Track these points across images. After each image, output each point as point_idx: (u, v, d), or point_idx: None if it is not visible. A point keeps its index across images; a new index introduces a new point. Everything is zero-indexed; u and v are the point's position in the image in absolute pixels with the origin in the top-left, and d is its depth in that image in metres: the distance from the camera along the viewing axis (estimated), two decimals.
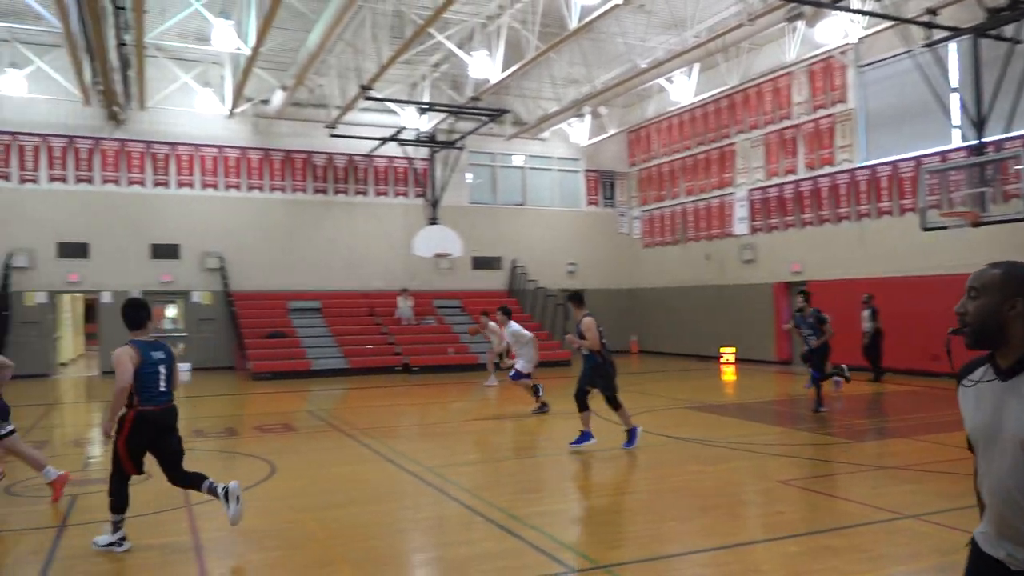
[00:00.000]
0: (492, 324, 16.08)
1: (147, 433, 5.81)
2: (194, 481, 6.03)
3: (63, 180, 21.29)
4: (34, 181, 21.03)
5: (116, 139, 21.77)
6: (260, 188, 23.34)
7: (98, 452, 10.36)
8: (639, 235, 27.54)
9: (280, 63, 21.35)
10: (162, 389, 5.89)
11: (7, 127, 20.75)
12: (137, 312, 6.01)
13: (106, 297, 21.56)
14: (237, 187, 23.06)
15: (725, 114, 23.01)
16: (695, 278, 24.38)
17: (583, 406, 9.36)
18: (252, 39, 16.20)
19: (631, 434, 9.32)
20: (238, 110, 22.40)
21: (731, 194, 22.94)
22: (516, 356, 13.13)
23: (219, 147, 22.87)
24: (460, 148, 23.13)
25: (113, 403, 5.73)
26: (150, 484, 8.01)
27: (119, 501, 5.76)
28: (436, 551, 5.97)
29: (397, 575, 5.50)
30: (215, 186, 22.83)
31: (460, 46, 19.52)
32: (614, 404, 9.35)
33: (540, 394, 12.74)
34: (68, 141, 21.33)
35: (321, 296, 23.28)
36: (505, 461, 9.49)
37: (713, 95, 22.17)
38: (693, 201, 24.58)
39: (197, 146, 22.61)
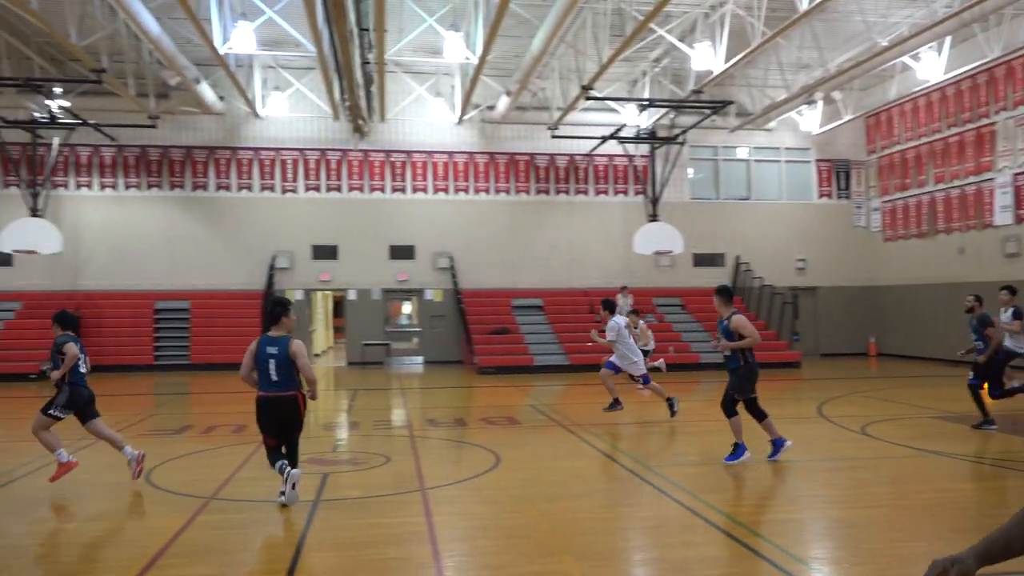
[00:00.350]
0: (642, 323, 16.09)
1: (258, 413, 6.95)
2: (275, 459, 6.91)
3: (317, 189, 23.68)
4: (293, 191, 23.59)
5: (360, 150, 23.83)
6: (486, 191, 24.43)
7: (345, 435, 11.40)
8: (878, 228, 25.39)
9: (505, 69, 22.21)
10: (274, 379, 6.79)
11: (272, 144, 23.47)
12: (272, 310, 7.02)
13: (352, 294, 23.70)
14: (465, 190, 24.32)
15: (983, 90, 20.54)
16: (945, 274, 22.02)
17: (731, 412, 8.66)
18: (479, 48, 16.99)
19: (775, 445, 8.62)
20: (466, 117, 23.61)
21: (990, 180, 20.44)
22: (615, 352, 12.46)
23: (449, 153, 24.25)
24: (681, 143, 22.68)
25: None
26: (388, 467, 8.66)
27: (270, 461, 6.97)
28: (656, 551, 5.91)
29: (618, 571, 5.51)
30: (446, 190, 24.23)
31: (681, 39, 19.13)
32: (753, 410, 8.63)
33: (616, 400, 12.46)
34: (321, 154, 23.69)
35: (543, 294, 23.90)
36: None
37: (968, 70, 19.88)
38: (944, 189, 22.22)
39: (430, 153, 24.14)
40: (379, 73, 19.30)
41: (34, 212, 20.93)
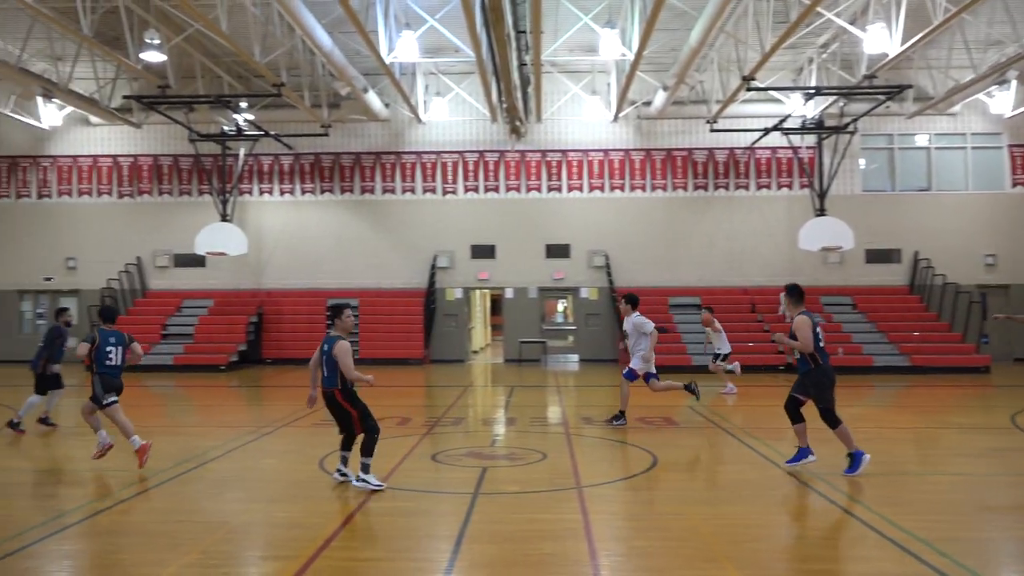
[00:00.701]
0: (717, 323, 15.46)
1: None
2: (343, 445, 7.81)
3: (475, 190, 24.33)
4: (453, 192, 24.36)
5: (517, 151, 24.23)
6: (642, 188, 24.12)
7: (503, 431, 11.63)
8: None
9: (661, 64, 21.83)
10: (326, 375, 7.52)
11: (433, 147, 24.36)
12: (331, 312, 7.81)
13: (509, 293, 24.15)
14: (621, 188, 24.14)
15: None
16: None
17: (795, 417, 8.08)
18: (635, 44, 16.79)
19: (853, 459, 7.86)
20: (622, 114, 23.42)
21: None
22: (632, 353, 11.44)
23: (605, 151, 24.15)
24: (852, 132, 21.33)
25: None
26: (545, 463, 8.73)
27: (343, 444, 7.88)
28: (826, 564, 5.60)
29: None
30: (601, 188, 24.16)
31: (852, 22, 18.01)
32: (829, 419, 7.91)
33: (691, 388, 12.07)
34: (479, 155, 24.30)
35: (701, 292, 23.28)
36: (905, 476, 8.54)
37: None
38: None
39: (585, 152, 24.16)
40: (535, 74, 19.54)
41: (223, 217, 22.87)
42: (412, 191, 24.49)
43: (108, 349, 8.59)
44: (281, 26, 18.50)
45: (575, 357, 24.07)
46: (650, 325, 11.36)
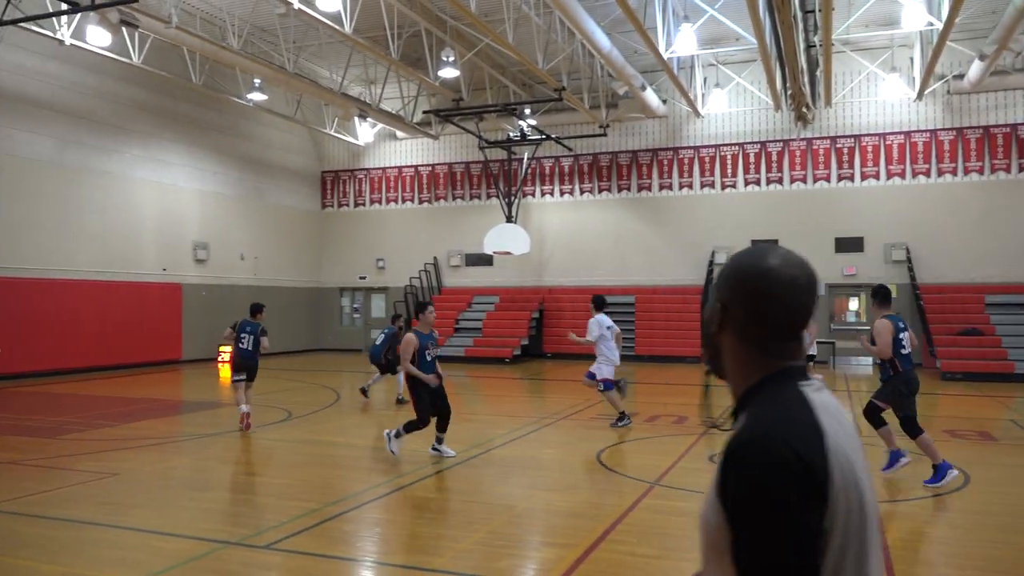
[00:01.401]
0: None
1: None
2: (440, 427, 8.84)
3: (756, 183, 23.29)
4: (732, 186, 23.55)
5: (803, 139, 22.78)
6: (952, 172, 21.46)
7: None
8: None
9: (976, 31, 19.25)
10: (428, 360, 8.56)
11: (711, 141, 23.73)
12: (419, 307, 8.86)
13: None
14: (926, 173, 21.68)
15: None
16: None
17: (877, 422, 7.74)
18: (946, 10, 14.97)
19: (938, 471, 7.37)
20: (927, 90, 21.02)
21: None
22: (599, 356, 10.87)
23: (905, 133, 21.85)
24: None
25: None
26: None
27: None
28: None
29: None
30: (901, 174, 21.89)
31: None
32: (909, 428, 7.55)
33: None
34: (761, 146, 23.23)
35: None
36: None
37: None
38: None
39: (882, 135, 22.05)
40: (825, 55, 18.20)
41: (509, 218, 24.26)
42: (689, 187, 24.08)
43: (242, 336, 10.84)
44: (562, 32, 19.18)
45: (868, 361, 22.08)
46: (597, 327, 10.93)
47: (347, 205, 28.32)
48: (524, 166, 24.96)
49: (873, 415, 7.74)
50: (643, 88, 21.63)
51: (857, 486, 1.30)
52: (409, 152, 27.55)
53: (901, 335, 7.57)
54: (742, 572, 1.24)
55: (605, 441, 9.68)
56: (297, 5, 14.99)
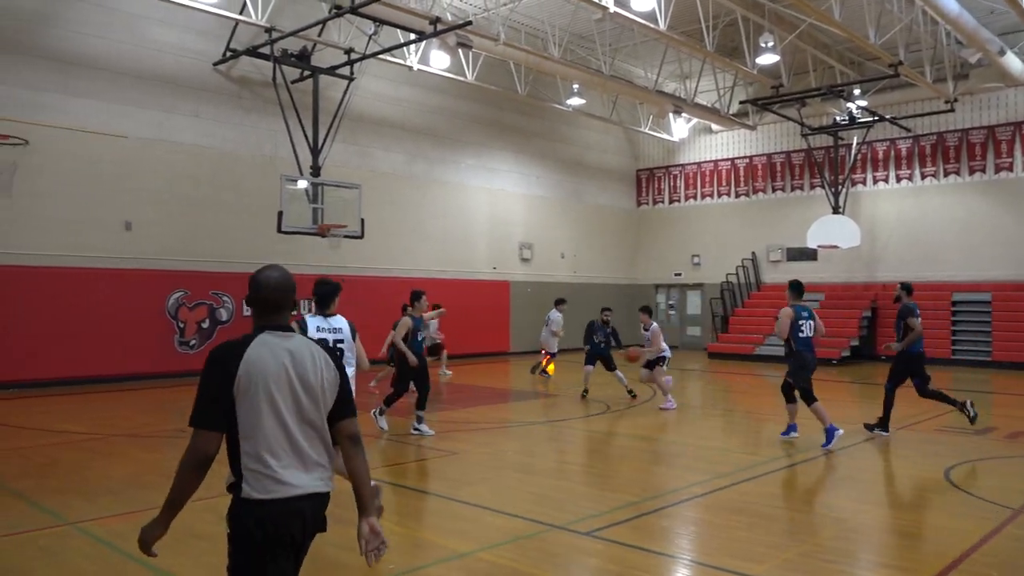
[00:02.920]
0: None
1: None
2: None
3: None
4: None
5: None
6: None
7: None
8: None
9: None
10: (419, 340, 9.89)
11: None
12: (415, 296, 10.04)
13: None
14: None
15: None
16: None
17: (788, 397, 9.52)
18: None
19: (828, 434, 8.99)
20: None
21: None
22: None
23: None
24: None
25: None
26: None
27: None
28: None
29: None
30: None
31: None
32: (805, 398, 9.16)
33: None
34: None
35: None
36: None
37: None
38: None
39: None
40: None
41: (835, 209, 22.51)
42: None
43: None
44: (898, 1, 17.32)
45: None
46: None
47: (662, 202, 28.39)
48: (853, 152, 23.01)
49: (785, 390, 9.60)
50: (1001, 53, 18.72)
51: (261, 380, 2.76)
52: (725, 145, 26.84)
53: (801, 322, 9.25)
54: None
55: (955, 457, 8.56)
56: (613, 8, 15.35)
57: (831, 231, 22.05)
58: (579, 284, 25.91)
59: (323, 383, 2.90)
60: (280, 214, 15.39)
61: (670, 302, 28.14)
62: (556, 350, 17.60)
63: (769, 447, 9.41)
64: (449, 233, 22.34)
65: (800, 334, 9.23)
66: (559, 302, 17.48)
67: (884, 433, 9.83)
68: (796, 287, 9.50)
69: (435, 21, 15.07)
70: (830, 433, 8.98)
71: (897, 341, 9.74)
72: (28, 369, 14.42)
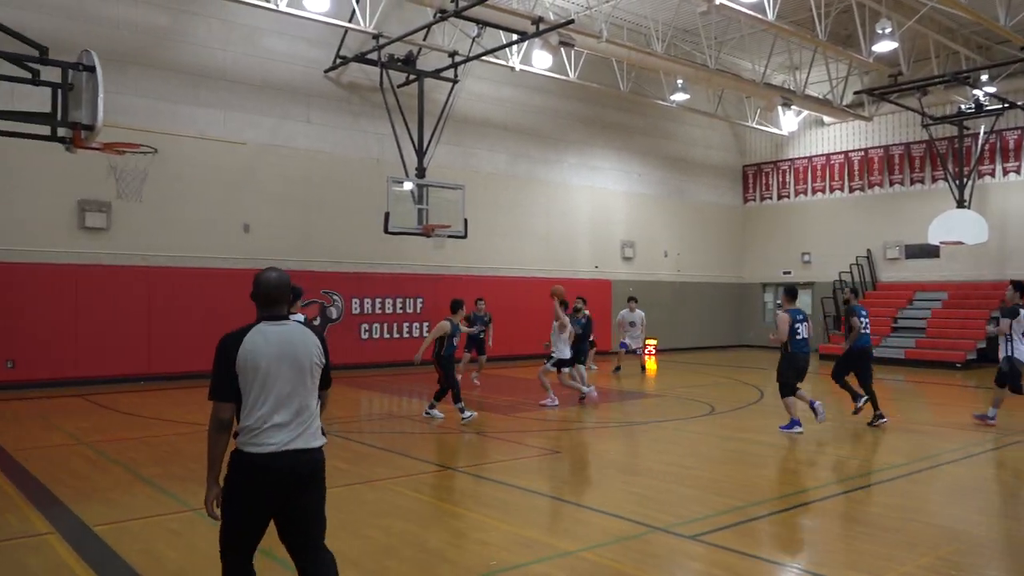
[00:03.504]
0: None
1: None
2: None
3: None
4: None
5: None
6: None
7: None
8: None
9: None
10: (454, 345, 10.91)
11: None
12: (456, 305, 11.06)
13: None
14: None
15: None
16: None
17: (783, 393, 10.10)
18: None
19: (790, 423, 9.96)
20: None
21: None
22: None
23: None
24: None
25: None
26: None
27: None
28: None
29: None
30: None
31: None
32: (783, 392, 10.05)
33: None
34: None
35: None
36: None
37: None
38: None
39: None
40: None
41: (960, 203, 21.23)
42: None
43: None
44: None
45: None
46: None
47: (770, 198, 27.52)
48: (980, 142, 21.63)
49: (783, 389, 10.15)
50: None
51: (254, 361, 3.48)
52: (838, 138, 25.75)
53: (797, 325, 9.91)
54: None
55: None
56: (718, 0, 14.99)
57: (955, 226, 20.81)
58: (682, 283, 25.43)
59: (312, 360, 3.64)
60: (387, 215, 15.83)
61: (778, 301, 27.22)
62: (635, 348, 18.49)
63: (885, 454, 8.98)
64: (551, 232, 22.38)
65: (796, 336, 9.92)
66: (630, 299, 18.69)
67: (883, 417, 10.60)
68: (791, 292, 10.28)
69: (537, 21, 15.14)
70: (793, 423, 9.94)
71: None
72: (155, 364, 15.41)
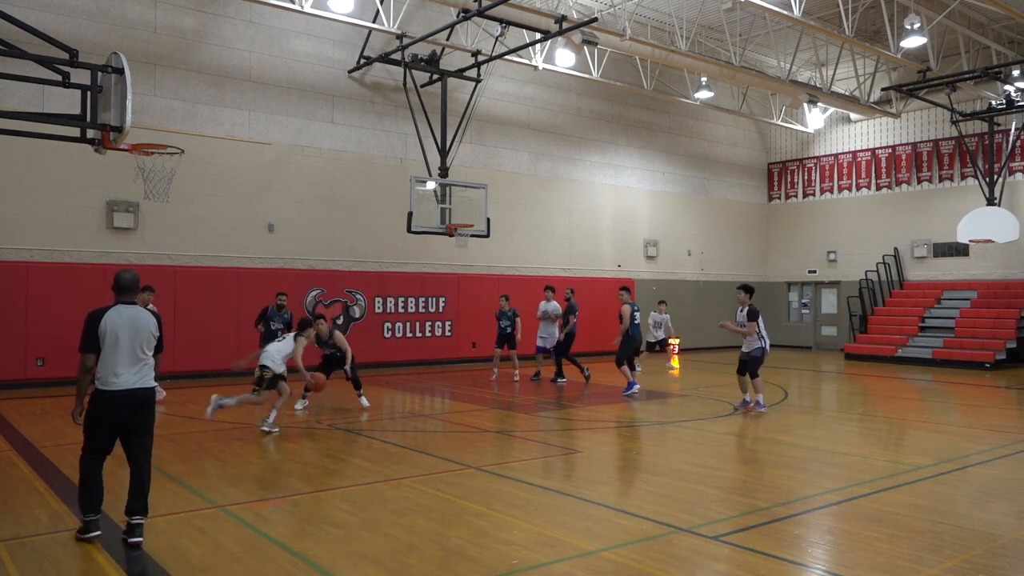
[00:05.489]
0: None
1: None
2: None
3: None
4: None
5: None
6: None
7: None
8: None
9: None
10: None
11: None
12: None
13: None
14: None
15: None
16: None
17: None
18: None
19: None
20: None
21: None
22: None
23: None
24: None
25: None
26: None
27: None
28: None
29: None
30: None
31: None
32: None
33: None
34: None
35: None
36: None
37: None
38: None
39: None
40: None
41: (990, 201, 20.89)
42: None
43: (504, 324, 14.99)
44: None
45: None
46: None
47: (795, 196, 27.26)
48: (1012, 138, 21.28)
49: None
50: None
51: (112, 329, 5.34)
52: (865, 135, 25.44)
53: (635, 314, 13.52)
54: None
55: None
56: None
57: (985, 224, 20.48)
58: (706, 282, 25.27)
59: (149, 331, 5.50)
60: (410, 214, 15.89)
61: (803, 300, 26.98)
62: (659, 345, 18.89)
63: (912, 455, 8.87)
64: (574, 231, 22.34)
65: (634, 322, 13.54)
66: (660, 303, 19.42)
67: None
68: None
69: (560, 19, 15.12)
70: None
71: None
72: (180, 362, 15.58)
